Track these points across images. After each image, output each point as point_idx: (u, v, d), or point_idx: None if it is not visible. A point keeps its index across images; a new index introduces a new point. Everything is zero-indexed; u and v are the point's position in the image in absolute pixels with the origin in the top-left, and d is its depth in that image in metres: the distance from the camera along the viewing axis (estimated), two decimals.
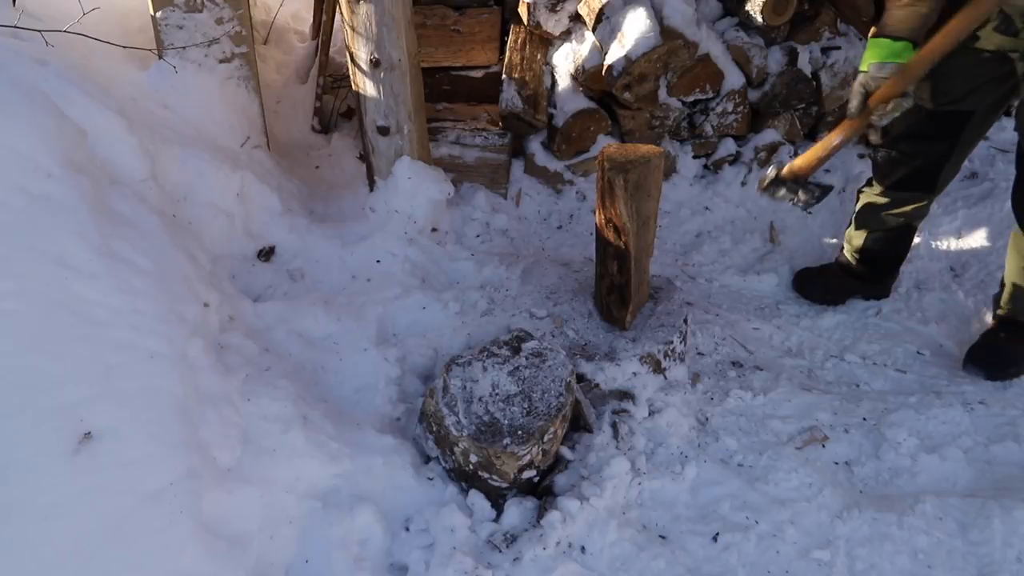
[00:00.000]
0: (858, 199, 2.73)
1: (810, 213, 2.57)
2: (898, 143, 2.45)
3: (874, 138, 2.26)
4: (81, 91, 2.10)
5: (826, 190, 2.43)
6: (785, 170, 2.39)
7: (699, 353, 2.56)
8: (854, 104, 2.17)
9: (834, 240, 3.20)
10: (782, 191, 2.40)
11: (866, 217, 2.70)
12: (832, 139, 2.28)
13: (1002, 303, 2.55)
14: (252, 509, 1.81)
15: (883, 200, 2.61)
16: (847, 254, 2.84)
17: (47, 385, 1.56)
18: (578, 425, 2.19)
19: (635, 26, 2.94)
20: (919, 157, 2.44)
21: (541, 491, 2.07)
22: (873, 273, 2.85)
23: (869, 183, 2.67)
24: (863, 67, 2.15)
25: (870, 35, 2.16)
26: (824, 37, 3.27)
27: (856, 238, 2.77)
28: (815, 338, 2.79)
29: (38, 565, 1.45)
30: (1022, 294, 2.48)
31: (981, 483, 2.21)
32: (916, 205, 2.58)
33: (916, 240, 3.11)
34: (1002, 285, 2.56)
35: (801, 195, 2.40)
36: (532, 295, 2.55)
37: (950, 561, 1.96)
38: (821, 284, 2.92)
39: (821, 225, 3.27)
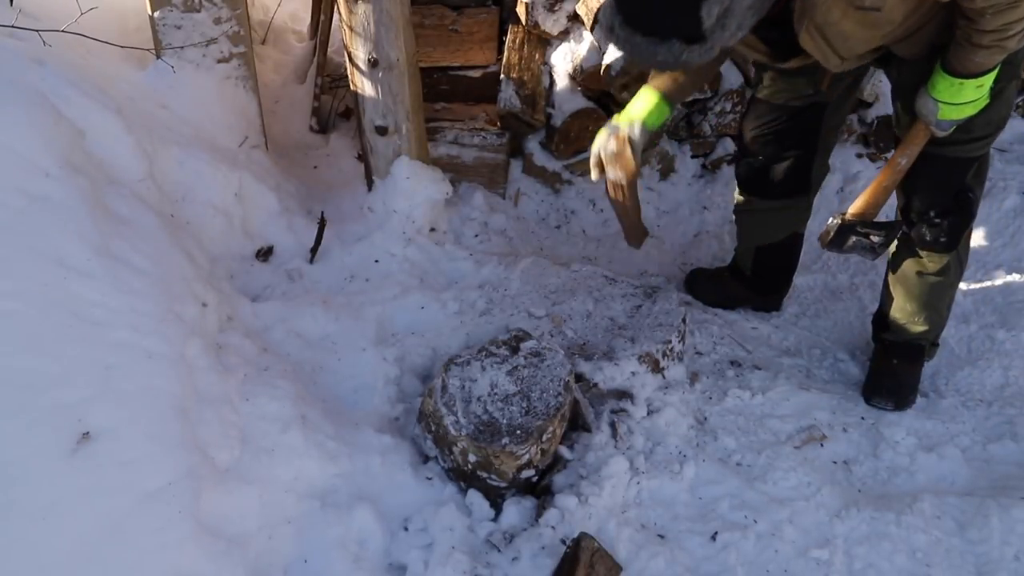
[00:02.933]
0: (736, 215, 2.66)
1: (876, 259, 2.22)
2: (763, 149, 2.40)
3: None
4: (79, 91, 2.10)
5: (896, 226, 2.18)
6: (849, 214, 2.14)
7: (697, 352, 2.56)
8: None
9: None
10: (852, 240, 2.13)
11: (751, 231, 2.64)
12: (897, 162, 2.10)
13: (890, 327, 2.48)
14: (251, 509, 1.81)
15: (761, 212, 2.55)
16: (741, 266, 2.78)
17: (45, 385, 1.56)
18: (577, 424, 2.19)
19: None
20: (786, 159, 2.39)
21: (540, 490, 2.07)
22: (767, 286, 2.83)
23: (743, 197, 2.58)
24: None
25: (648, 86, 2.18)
26: None
27: (746, 254, 2.72)
28: (813, 337, 2.80)
29: (37, 565, 1.45)
30: (907, 311, 2.42)
31: (979, 482, 2.22)
32: (794, 210, 2.54)
33: None
34: (882, 309, 2.50)
35: (874, 238, 2.12)
36: (530, 295, 2.55)
37: (948, 560, 1.97)
38: (712, 289, 2.88)
39: (819, 224, 3.27)
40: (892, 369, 2.49)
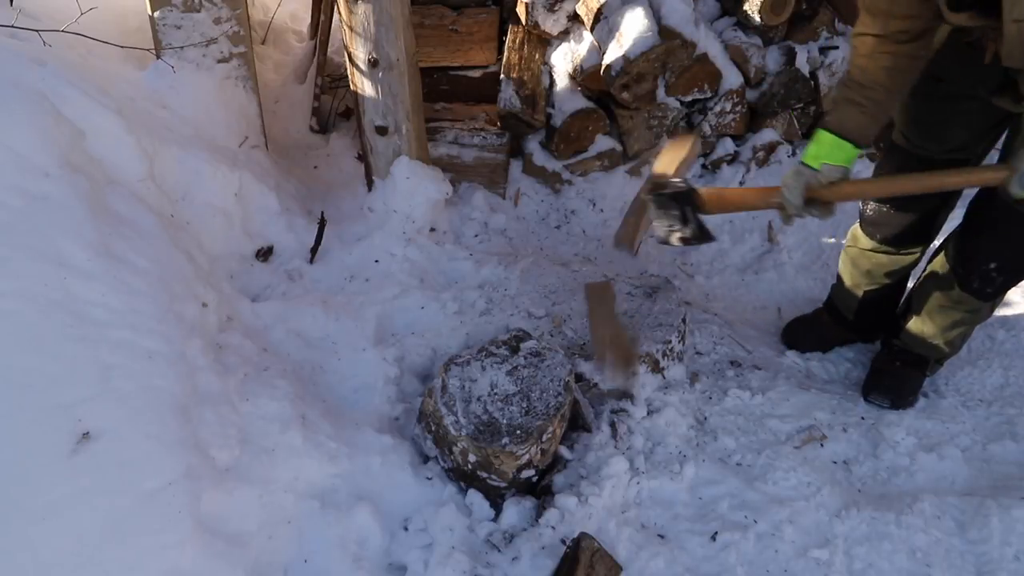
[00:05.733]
0: (846, 252, 2.53)
1: (678, 245, 2.03)
2: (894, 197, 2.25)
3: (785, 222, 1.98)
4: (79, 91, 2.09)
5: (706, 238, 2.03)
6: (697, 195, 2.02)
7: (697, 352, 2.56)
8: (796, 200, 1.89)
9: (832, 239, 3.20)
10: (674, 211, 2.00)
11: (858, 274, 2.49)
12: (748, 198, 2.08)
13: (901, 336, 2.45)
14: (251, 509, 1.81)
15: (876, 256, 2.42)
16: (841, 308, 2.62)
17: (45, 385, 1.56)
18: (576, 425, 2.19)
19: (633, 26, 2.94)
20: (915, 210, 2.25)
21: (540, 490, 2.07)
22: (869, 326, 2.66)
23: (855, 237, 2.45)
24: (811, 162, 1.88)
25: (819, 126, 1.91)
26: (822, 37, 3.27)
27: (850, 297, 2.55)
28: None
29: (37, 565, 1.44)
30: (924, 332, 2.39)
31: (979, 482, 2.22)
32: (913, 258, 2.42)
33: None
34: (901, 318, 2.46)
35: (686, 230, 2.00)
36: (530, 295, 2.55)
37: (948, 560, 1.97)
38: (814, 336, 2.71)
39: (820, 225, 3.27)
40: (894, 369, 2.48)
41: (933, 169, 2.02)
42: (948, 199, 2.30)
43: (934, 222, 2.34)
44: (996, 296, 2.26)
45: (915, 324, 2.40)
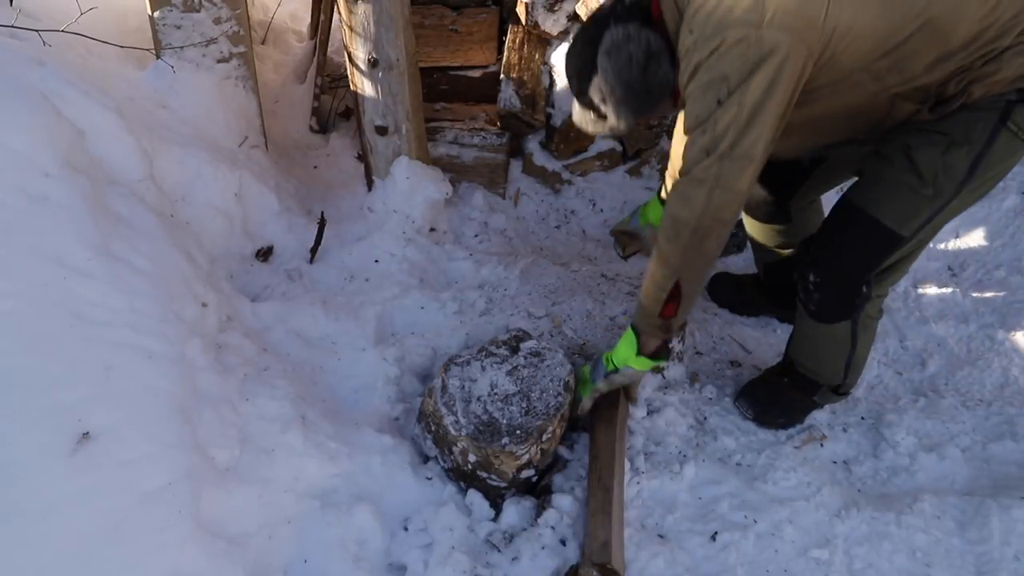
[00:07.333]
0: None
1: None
2: None
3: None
4: (79, 91, 2.10)
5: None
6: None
7: (698, 352, 2.56)
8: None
9: None
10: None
11: (754, 247, 2.61)
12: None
13: (787, 350, 2.31)
14: (250, 509, 1.81)
15: (752, 221, 2.49)
16: (759, 270, 2.71)
17: (45, 385, 1.56)
18: (576, 425, 2.19)
19: None
20: (764, 182, 2.13)
21: (539, 490, 2.07)
22: (785, 302, 2.56)
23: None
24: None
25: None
26: None
27: (757, 259, 2.67)
28: None
29: (37, 565, 1.45)
30: (796, 350, 2.25)
31: (979, 482, 2.21)
32: (785, 232, 2.42)
33: None
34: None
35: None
36: (530, 295, 2.55)
37: (948, 560, 1.96)
38: (730, 292, 2.81)
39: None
40: (774, 383, 2.31)
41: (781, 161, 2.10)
42: (796, 191, 2.28)
43: (786, 200, 2.32)
44: (825, 319, 2.10)
45: (792, 339, 2.28)
